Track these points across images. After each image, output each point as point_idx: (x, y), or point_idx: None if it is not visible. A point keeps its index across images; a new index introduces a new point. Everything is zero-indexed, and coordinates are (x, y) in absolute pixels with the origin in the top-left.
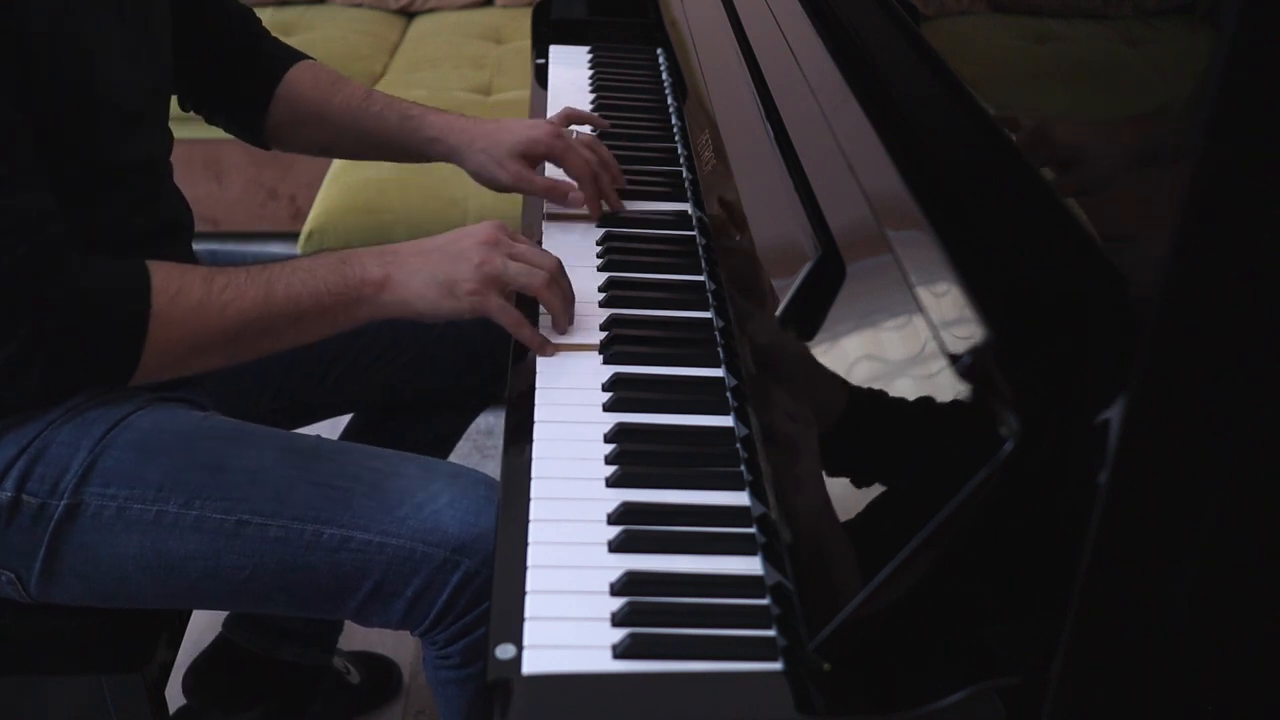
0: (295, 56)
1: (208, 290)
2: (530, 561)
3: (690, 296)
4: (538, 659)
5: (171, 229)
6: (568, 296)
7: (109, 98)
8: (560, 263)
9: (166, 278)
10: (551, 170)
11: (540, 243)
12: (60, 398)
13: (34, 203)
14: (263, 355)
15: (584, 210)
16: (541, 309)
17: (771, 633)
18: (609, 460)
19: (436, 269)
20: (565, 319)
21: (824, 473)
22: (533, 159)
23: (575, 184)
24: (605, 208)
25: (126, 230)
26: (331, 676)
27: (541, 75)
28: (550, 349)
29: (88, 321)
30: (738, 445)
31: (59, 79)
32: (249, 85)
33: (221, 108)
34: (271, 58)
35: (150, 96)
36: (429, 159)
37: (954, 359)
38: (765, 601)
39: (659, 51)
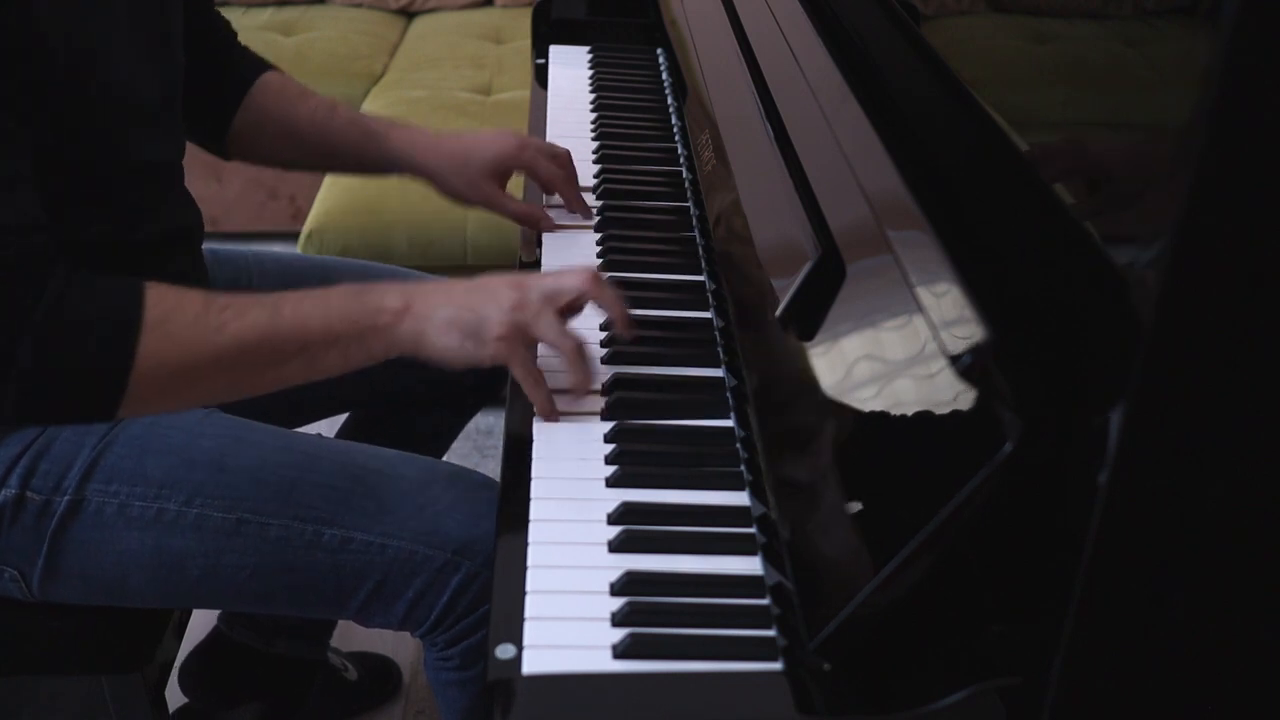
0: (264, 66)
1: (206, 308)
2: (530, 561)
3: (690, 296)
4: (538, 659)
5: (183, 233)
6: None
7: (120, 94)
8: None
9: (161, 295)
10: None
11: (540, 241)
12: (40, 423)
13: (17, 213)
14: (269, 389)
15: (568, 221)
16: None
17: (771, 633)
18: (609, 460)
19: (463, 305)
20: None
21: (824, 473)
22: (504, 176)
23: (547, 215)
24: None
25: (137, 234)
26: (327, 673)
27: (541, 75)
28: (555, 417)
29: (69, 343)
30: (738, 445)
31: (66, 73)
32: (217, 91)
33: (187, 113)
34: (241, 65)
35: (163, 95)
36: (391, 173)
37: (954, 359)
38: (765, 601)
39: (659, 51)
